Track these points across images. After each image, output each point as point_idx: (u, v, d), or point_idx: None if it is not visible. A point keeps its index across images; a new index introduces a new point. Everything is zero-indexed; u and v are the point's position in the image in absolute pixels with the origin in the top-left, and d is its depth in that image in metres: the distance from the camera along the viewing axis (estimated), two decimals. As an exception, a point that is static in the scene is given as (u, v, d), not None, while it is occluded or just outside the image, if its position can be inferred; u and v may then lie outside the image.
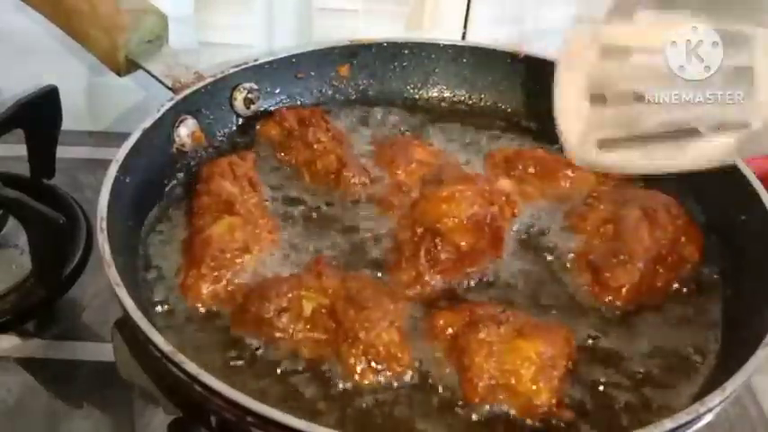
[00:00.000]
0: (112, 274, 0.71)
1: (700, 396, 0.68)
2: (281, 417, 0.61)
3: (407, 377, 0.73)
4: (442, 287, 0.82)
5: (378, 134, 1.04)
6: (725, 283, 0.85)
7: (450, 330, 0.74)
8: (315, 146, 0.95)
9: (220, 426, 0.67)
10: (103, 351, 0.86)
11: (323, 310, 0.75)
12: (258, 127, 1.01)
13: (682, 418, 0.63)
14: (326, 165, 0.94)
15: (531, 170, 0.95)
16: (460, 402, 0.71)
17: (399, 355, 0.73)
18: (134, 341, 0.73)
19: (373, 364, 0.72)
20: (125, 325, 0.74)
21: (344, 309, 0.74)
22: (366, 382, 0.72)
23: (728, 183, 0.88)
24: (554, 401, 0.70)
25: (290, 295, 0.76)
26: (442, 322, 0.75)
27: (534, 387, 0.70)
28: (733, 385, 0.66)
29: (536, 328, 0.74)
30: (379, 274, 0.83)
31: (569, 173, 0.94)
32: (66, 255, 0.95)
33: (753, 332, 0.72)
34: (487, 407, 0.71)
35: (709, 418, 0.66)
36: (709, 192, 0.91)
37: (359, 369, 0.72)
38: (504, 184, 0.93)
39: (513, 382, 0.70)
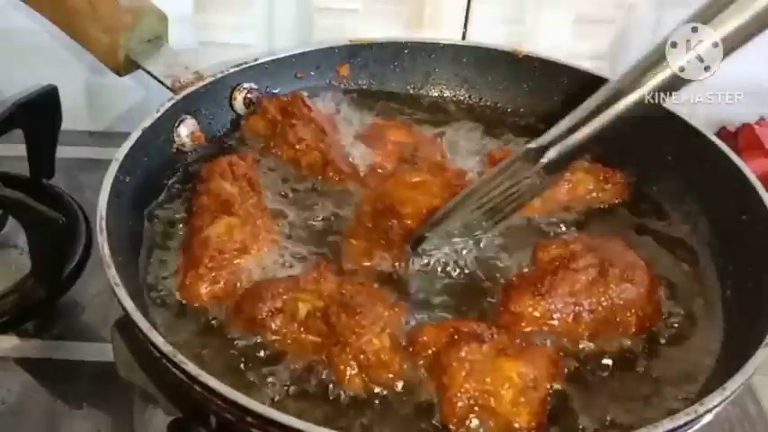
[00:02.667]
0: (112, 274, 0.71)
1: (700, 396, 0.67)
2: (281, 417, 0.61)
3: (396, 385, 0.72)
4: (386, 269, 0.83)
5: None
6: (725, 282, 0.85)
7: (432, 348, 0.72)
8: (297, 146, 0.95)
9: (220, 426, 0.67)
10: (103, 351, 0.86)
11: (317, 314, 0.74)
12: (242, 123, 1.01)
13: (682, 418, 0.63)
14: (311, 162, 0.95)
15: None
16: (440, 420, 0.70)
17: (389, 362, 0.72)
18: (134, 341, 0.73)
19: (362, 370, 0.71)
20: (125, 325, 0.74)
21: (337, 313, 0.73)
22: (355, 387, 0.71)
23: (729, 182, 0.88)
24: (533, 425, 0.68)
25: (285, 297, 0.75)
26: (424, 339, 0.73)
27: (513, 408, 0.68)
28: (733, 385, 0.66)
29: (520, 348, 0.72)
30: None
31: (568, 175, 0.94)
32: (66, 255, 0.95)
33: (753, 332, 0.72)
34: (465, 427, 0.69)
35: (708, 418, 0.66)
36: (710, 191, 0.91)
37: (348, 374, 0.71)
38: None
39: (492, 402, 0.68)
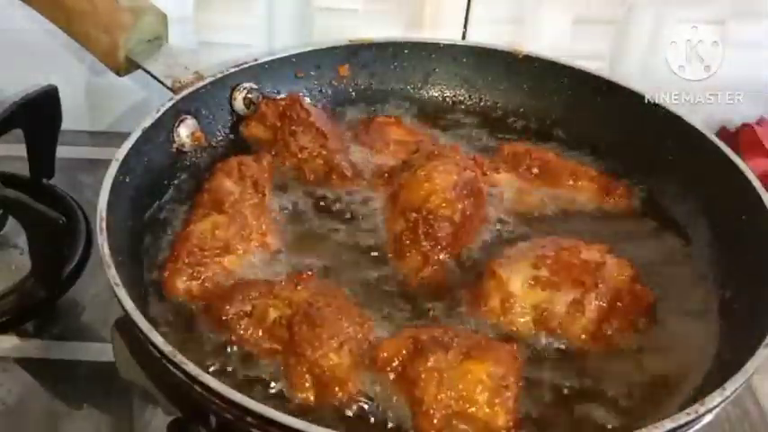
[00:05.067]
0: (112, 274, 0.71)
1: (700, 396, 0.67)
2: (281, 417, 0.61)
3: (353, 404, 0.70)
4: (452, 262, 0.84)
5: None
6: (725, 282, 0.85)
7: (396, 362, 0.71)
8: (299, 155, 0.95)
9: (220, 426, 0.66)
10: (103, 351, 0.85)
11: (283, 321, 0.73)
12: (242, 129, 1.01)
13: (682, 418, 0.63)
14: (314, 169, 0.95)
15: (536, 170, 0.96)
16: None
17: (344, 379, 0.70)
18: (134, 341, 0.73)
19: (317, 384, 0.70)
20: (125, 325, 0.74)
21: (300, 323, 0.72)
22: (308, 402, 0.70)
23: (729, 182, 0.88)
24: (511, 423, 0.68)
25: (255, 301, 0.75)
26: (385, 354, 0.71)
27: (490, 411, 0.67)
28: (733, 385, 0.66)
29: (483, 348, 0.71)
30: (380, 272, 0.84)
31: (570, 181, 0.95)
32: (66, 255, 0.95)
33: (753, 332, 0.72)
34: None
35: (709, 418, 0.66)
36: (710, 191, 0.91)
37: (302, 387, 0.70)
38: (499, 178, 0.94)
39: (468, 408, 0.67)
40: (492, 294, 0.78)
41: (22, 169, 1.05)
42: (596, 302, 0.77)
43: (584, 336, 0.77)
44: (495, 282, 0.79)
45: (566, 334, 0.77)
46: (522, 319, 0.78)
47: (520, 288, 0.78)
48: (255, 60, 1.02)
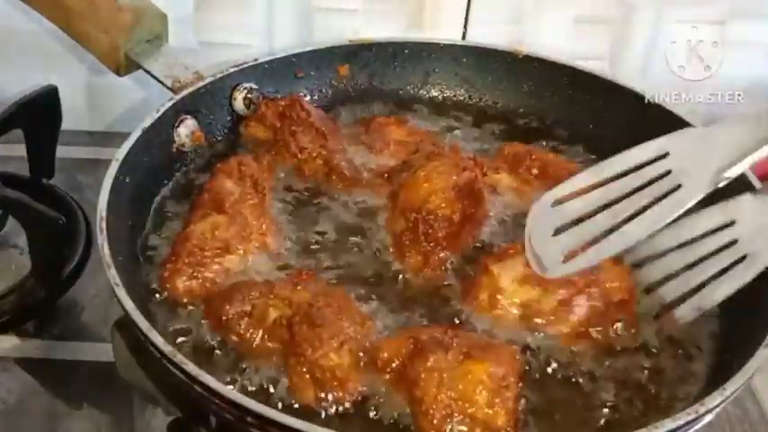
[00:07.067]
0: (112, 274, 0.71)
1: (700, 396, 0.67)
2: (281, 417, 0.61)
3: (353, 404, 0.70)
4: (452, 262, 0.84)
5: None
6: (725, 283, 0.85)
7: (396, 362, 0.71)
8: (299, 155, 0.95)
9: (220, 426, 0.67)
10: (103, 351, 0.85)
11: (283, 321, 0.73)
12: (242, 130, 1.01)
13: (682, 418, 0.63)
14: (314, 169, 0.95)
15: (536, 171, 0.96)
16: None
17: (345, 379, 0.70)
18: (134, 341, 0.73)
19: (316, 384, 0.70)
20: (125, 325, 0.74)
21: (300, 323, 0.72)
22: (307, 401, 0.70)
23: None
24: (511, 423, 0.68)
25: (255, 301, 0.75)
26: (385, 354, 0.71)
27: (490, 411, 0.67)
28: (733, 386, 0.66)
29: (483, 348, 0.71)
30: (380, 272, 0.84)
31: None
32: (66, 255, 0.95)
33: (753, 332, 0.72)
34: None
35: (709, 418, 0.66)
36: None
37: (302, 387, 0.70)
38: (499, 178, 0.94)
39: (468, 408, 0.67)
40: (482, 288, 0.79)
41: (22, 169, 1.05)
42: (587, 304, 0.77)
43: (574, 335, 0.77)
44: (486, 277, 0.79)
45: (553, 331, 0.77)
46: (509, 315, 0.78)
47: (510, 284, 0.78)
48: (255, 60, 1.02)
